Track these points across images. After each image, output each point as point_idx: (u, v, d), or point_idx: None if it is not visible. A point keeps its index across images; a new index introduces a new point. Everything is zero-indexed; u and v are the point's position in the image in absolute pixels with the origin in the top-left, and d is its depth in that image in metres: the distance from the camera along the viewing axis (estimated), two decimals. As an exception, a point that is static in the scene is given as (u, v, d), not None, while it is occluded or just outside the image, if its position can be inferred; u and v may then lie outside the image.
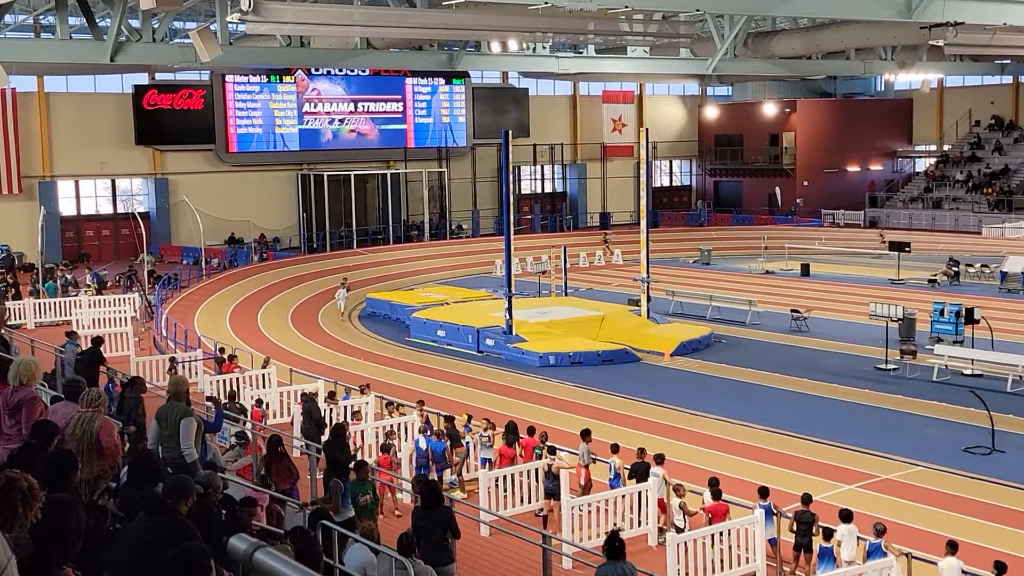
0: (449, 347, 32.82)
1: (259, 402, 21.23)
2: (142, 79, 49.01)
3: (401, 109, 56.49)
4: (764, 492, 15.34)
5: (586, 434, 17.94)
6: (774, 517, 15.01)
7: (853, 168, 67.86)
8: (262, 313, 37.73)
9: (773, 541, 15.02)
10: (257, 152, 52.55)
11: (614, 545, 10.86)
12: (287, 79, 52.74)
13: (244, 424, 18.22)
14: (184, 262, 45.63)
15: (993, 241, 52.31)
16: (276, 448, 14.45)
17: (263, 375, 23.46)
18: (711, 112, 70.47)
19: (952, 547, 13.23)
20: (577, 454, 17.73)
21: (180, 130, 49.87)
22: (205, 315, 35.80)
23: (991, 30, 37.42)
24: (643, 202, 35.32)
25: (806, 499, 14.96)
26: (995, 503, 18.06)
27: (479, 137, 58.56)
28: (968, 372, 27.19)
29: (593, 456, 17.75)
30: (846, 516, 14.11)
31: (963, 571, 13.03)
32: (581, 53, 49.97)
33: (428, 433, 18.69)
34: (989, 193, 60.59)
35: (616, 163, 66.49)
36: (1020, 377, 26.05)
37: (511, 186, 33.01)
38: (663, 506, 16.38)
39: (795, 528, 14.66)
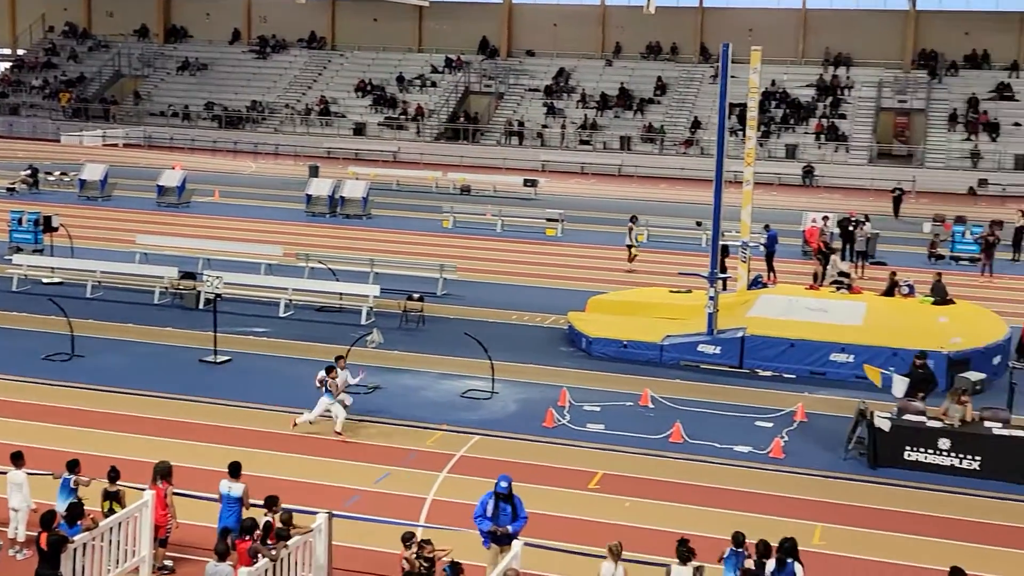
0: None
1: None
2: None
3: None
4: None
5: None
6: None
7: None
8: None
9: None
10: None
11: None
12: None
13: None
14: None
15: (72, 149, 52.85)
16: None
17: None
18: None
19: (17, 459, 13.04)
20: None
21: None
22: None
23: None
24: None
25: None
26: (77, 407, 18.41)
27: None
28: (48, 280, 27.24)
29: None
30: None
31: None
32: None
33: None
34: (67, 100, 60.82)
35: None
36: (99, 283, 26.84)
37: None
38: None
39: None
